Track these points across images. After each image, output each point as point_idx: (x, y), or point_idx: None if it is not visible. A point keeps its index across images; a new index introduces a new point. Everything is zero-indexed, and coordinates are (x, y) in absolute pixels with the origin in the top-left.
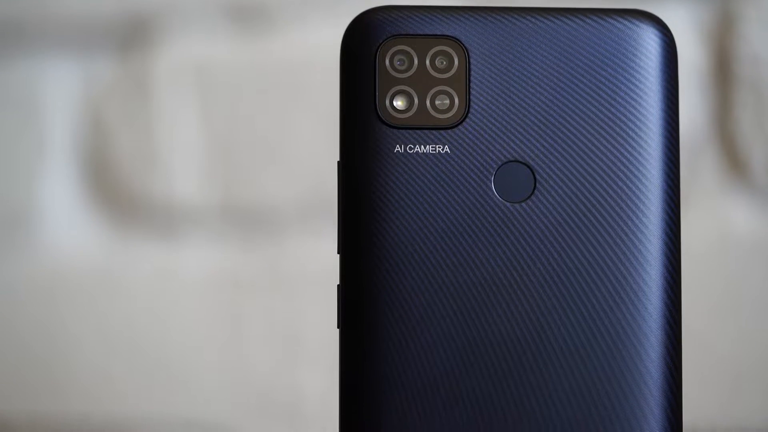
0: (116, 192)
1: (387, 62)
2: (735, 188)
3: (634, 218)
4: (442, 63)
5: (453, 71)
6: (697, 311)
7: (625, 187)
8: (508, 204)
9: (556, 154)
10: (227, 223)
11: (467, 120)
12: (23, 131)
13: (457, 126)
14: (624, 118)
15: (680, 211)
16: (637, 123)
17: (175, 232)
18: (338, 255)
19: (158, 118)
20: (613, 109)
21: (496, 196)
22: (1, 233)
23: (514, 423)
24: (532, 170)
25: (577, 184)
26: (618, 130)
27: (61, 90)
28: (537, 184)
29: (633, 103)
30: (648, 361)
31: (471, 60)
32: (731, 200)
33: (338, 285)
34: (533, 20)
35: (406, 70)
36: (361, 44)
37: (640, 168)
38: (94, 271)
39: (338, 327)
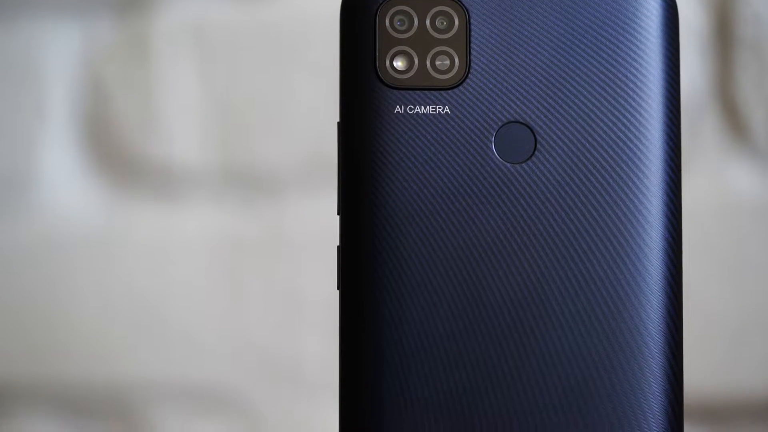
0: (116, 154)
1: (387, 22)
2: (736, 151)
3: (635, 180)
4: (442, 23)
5: (453, 32)
6: (698, 274)
7: (626, 148)
8: (508, 165)
9: (557, 115)
10: (227, 185)
11: (467, 81)
12: (22, 94)
13: (457, 87)
14: (625, 79)
15: (681, 173)
16: (638, 84)
17: (175, 194)
18: (338, 216)
19: (157, 80)
20: (614, 70)
21: (496, 156)
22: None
23: (515, 384)
24: (532, 131)
25: (578, 145)
26: (619, 91)
27: (59, 52)
28: (538, 145)
29: (634, 63)
30: (648, 322)
31: (471, 20)
32: (732, 163)
33: (338, 246)
34: None
35: (406, 31)
36: (361, 5)
37: (641, 129)
38: (94, 234)
39: (338, 289)
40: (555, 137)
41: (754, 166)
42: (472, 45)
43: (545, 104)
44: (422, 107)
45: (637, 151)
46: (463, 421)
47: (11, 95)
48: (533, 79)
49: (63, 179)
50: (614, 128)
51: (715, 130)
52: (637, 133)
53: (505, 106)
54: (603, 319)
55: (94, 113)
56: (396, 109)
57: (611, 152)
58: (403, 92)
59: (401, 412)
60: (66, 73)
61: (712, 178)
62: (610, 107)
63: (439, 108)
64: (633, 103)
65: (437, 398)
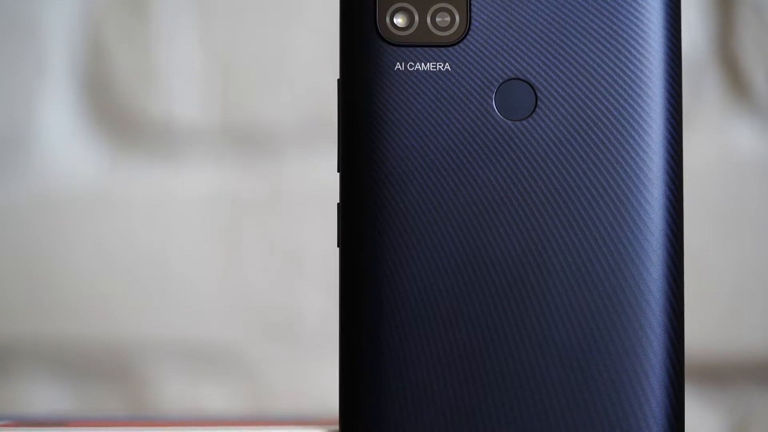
0: (115, 112)
1: None
2: (737, 108)
3: (636, 137)
4: None
5: None
6: (699, 232)
7: (627, 106)
8: (509, 122)
9: (558, 72)
10: (227, 143)
11: (468, 37)
12: (22, 52)
13: (457, 43)
14: (626, 36)
15: (682, 131)
16: (639, 41)
17: (175, 153)
18: (338, 173)
19: (157, 38)
20: (615, 27)
21: (497, 113)
22: None
23: (515, 341)
24: (533, 88)
25: (579, 102)
26: (620, 48)
27: (59, 9)
28: (538, 102)
29: (635, 20)
30: (649, 279)
31: None
32: (733, 120)
33: (338, 204)
34: None
35: None
36: None
37: (643, 87)
38: (93, 192)
39: (338, 246)
40: (556, 94)
41: (755, 123)
42: (473, 1)
43: (546, 61)
44: (422, 64)
45: (638, 108)
46: (463, 377)
47: (10, 52)
48: (534, 35)
49: (62, 137)
50: (615, 85)
51: (716, 87)
52: (638, 90)
53: (506, 63)
54: (604, 275)
55: (93, 70)
56: (396, 66)
57: (612, 109)
58: (403, 49)
59: (401, 369)
60: (66, 30)
61: (713, 135)
62: (611, 64)
63: (440, 65)
64: (634, 60)
65: (438, 355)
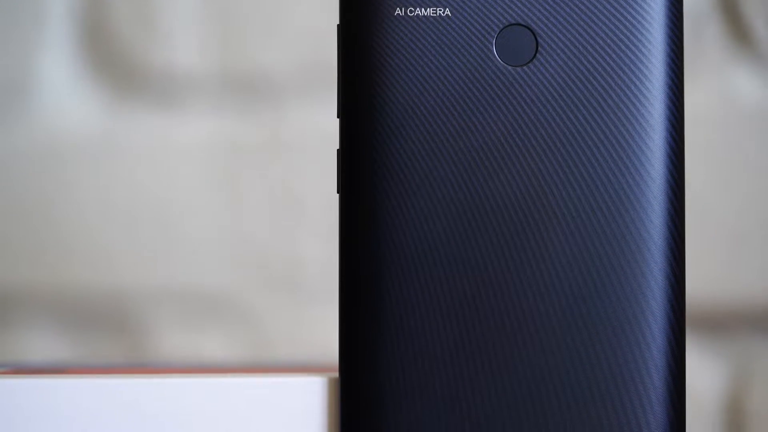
0: (115, 60)
1: None
2: (738, 56)
3: (638, 82)
4: None
5: None
6: (699, 179)
7: (628, 51)
8: (509, 67)
9: (559, 18)
10: (227, 91)
11: None
12: (21, 0)
13: None
14: None
15: (683, 77)
16: None
17: (175, 100)
18: (338, 120)
19: None
20: None
21: (497, 59)
22: None
23: (515, 288)
24: (534, 33)
25: (580, 47)
26: None
27: None
28: (539, 48)
29: None
30: (650, 225)
31: None
32: (734, 68)
33: (338, 150)
34: None
35: None
36: None
37: (644, 32)
38: (94, 141)
39: (338, 192)
40: (556, 39)
41: (756, 71)
42: None
43: (547, 6)
44: (422, 9)
45: (639, 53)
46: (463, 324)
47: (10, 1)
48: None
49: (62, 86)
50: (616, 31)
51: (718, 35)
52: (639, 35)
53: (507, 9)
54: (604, 221)
55: (93, 19)
56: (396, 11)
57: (613, 55)
58: None
59: (401, 315)
60: None
61: (714, 82)
62: (612, 9)
63: (440, 10)
64: (635, 6)
65: (437, 301)
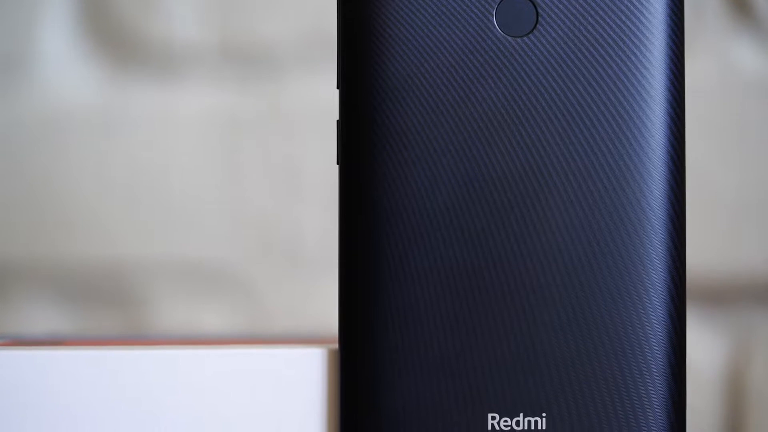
0: (115, 32)
1: None
2: (739, 27)
3: (638, 53)
4: None
5: None
6: (700, 151)
7: (628, 22)
8: (509, 38)
9: None
10: (226, 62)
11: None
12: None
13: None
14: None
15: (684, 48)
16: None
17: (174, 72)
18: (337, 91)
19: None
20: None
21: (497, 30)
22: None
23: (515, 259)
24: (534, 4)
25: (580, 18)
26: None
27: None
28: (539, 18)
29: None
30: (650, 196)
31: None
32: (735, 39)
33: (337, 121)
34: None
35: None
36: None
37: (644, 2)
38: (93, 113)
39: (338, 163)
40: (557, 10)
41: (757, 42)
42: None
43: None
44: None
45: (639, 25)
46: (463, 294)
47: None
48: None
49: (62, 58)
50: (616, 1)
51: (719, 6)
52: (639, 6)
53: None
54: (605, 192)
55: None
56: None
57: (613, 25)
58: None
59: (401, 286)
60: None
61: (714, 54)
62: None
63: None
64: None
65: (437, 273)
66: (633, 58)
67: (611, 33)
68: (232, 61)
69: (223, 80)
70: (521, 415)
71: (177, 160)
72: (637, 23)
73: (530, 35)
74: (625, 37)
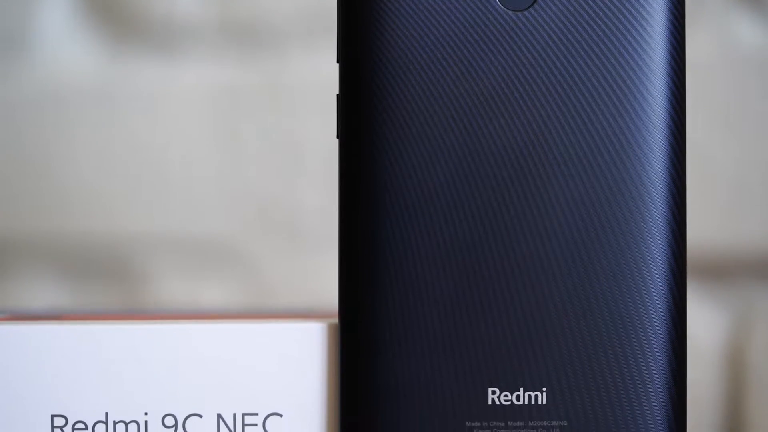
0: (115, 8)
1: None
2: (739, 2)
3: (638, 27)
4: None
5: None
6: (701, 124)
7: None
8: (510, 12)
9: None
10: (227, 38)
11: None
12: None
13: None
14: None
15: (684, 23)
16: None
17: (175, 48)
18: (338, 65)
19: None
20: None
21: (498, 4)
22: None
23: (516, 234)
24: None
25: None
26: None
27: None
28: None
29: None
30: (651, 170)
31: None
32: (736, 15)
33: (338, 95)
34: None
35: None
36: None
37: None
38: (93, 88)
39: (338, 138)
40: None
41: (757, 17)
42: None
43: None
44: None
45: None
46: (464, 269)
47: None
48: None
49: (62, 33)
50: None
51: None
52: None
53: None
54: (605, 166)
55: None
56: None
57: None
58: None
59: (401, 261)
60: None
61: (715, 29)
62: None
63: None
64: None
65: (437, 247)
66: (633, 32)
67: (611, 6)
68: (233, 36)
69: (223, 56)
70: (521, 389)
71: (177, 135)
72: None
73: (531, 9)
74: (625, 11)
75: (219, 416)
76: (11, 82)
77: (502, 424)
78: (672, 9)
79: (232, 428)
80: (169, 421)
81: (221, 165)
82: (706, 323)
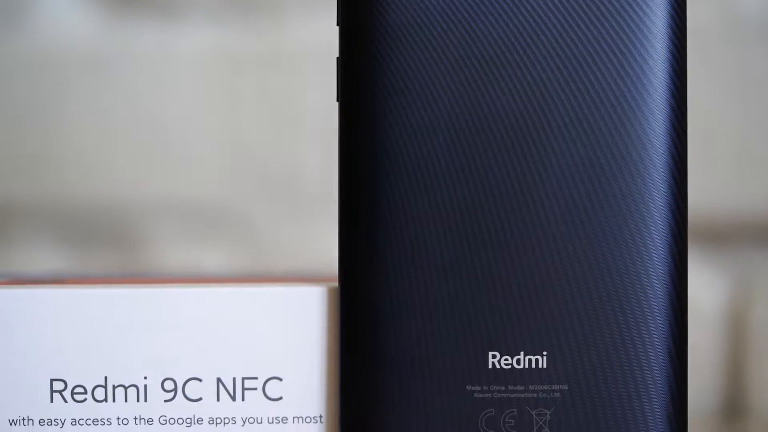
0: None
1: None
2: None
3: None
4: None
5: None
6: (702, 89)
7: None
8: None
9: None
10: (226, 2)
11: None
12: None
13: None
14: None
15: None
16: None
17: (174, 11)
18: (337, 28)
19: None
20: None
21: None
22: None
23: (516, 197)
24: None
25: None
26: None
27: None
28: None
29: None
30: (652, 134)
31: None
32: None
33: (337, 58)
34: None
35: None
36: None
37: None
38: (93, 52)
39: (337, 100)
40: None
41: None
42: None
43: None
44: None
45: None
46: (464, 234)
47: None
48: None
49: None
50: None
51: None
52: None
53: None
54: (606, 130)
55: None
56: None
57: None
58: None
59: (401, 225)
60: None
61: None
62: None
63: None
64: None
65: (437, 211)
66: None
67: None
68: (232, 0)
69: (223, 19)
70: (522, 353)
71: (177, 99)
72: None
73: None
74: None
75: (219, 380)
76: (10, 47)
77: (503, 388)
78: None
79: (231, 392)
80: (169, 385)
81: (221, 129)
82: (707, 288)
